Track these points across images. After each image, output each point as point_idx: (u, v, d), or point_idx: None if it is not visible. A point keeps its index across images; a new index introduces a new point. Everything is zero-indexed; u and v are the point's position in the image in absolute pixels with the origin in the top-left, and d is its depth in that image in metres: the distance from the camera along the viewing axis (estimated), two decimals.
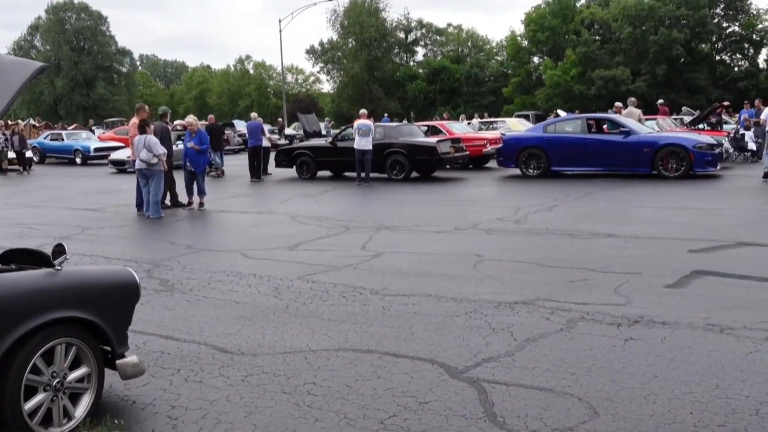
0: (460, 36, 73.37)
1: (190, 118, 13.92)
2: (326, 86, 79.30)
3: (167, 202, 13.08)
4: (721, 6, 54.65)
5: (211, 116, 22.09)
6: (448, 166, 18.13)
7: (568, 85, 53.77)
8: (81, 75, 69.39)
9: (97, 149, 27.45)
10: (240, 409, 3.89)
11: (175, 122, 28.57)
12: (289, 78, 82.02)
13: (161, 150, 11.79)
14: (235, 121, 38.88)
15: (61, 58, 68.71)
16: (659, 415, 3.63)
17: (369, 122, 17.59)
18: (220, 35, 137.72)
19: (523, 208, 11.46)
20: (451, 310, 5.67)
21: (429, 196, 14.24)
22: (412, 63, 71.72)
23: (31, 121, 40.64)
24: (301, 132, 35.51)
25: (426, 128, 20.88)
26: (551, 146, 16.54)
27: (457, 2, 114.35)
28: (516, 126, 23.58)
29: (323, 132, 35.54)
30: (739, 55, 56.77)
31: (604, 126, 17.04)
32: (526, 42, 62.37)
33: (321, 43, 71.17)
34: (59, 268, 3.60)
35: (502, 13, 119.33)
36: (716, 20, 54.97)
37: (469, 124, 26.53)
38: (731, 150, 19.22)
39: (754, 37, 54.73)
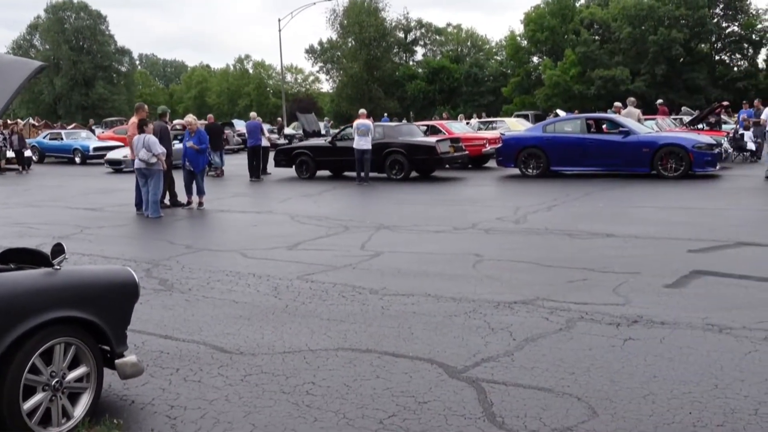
0: (459, 36, 73.38)
1: (190, 118, 13.91)
2: (325, 86, 79.39)
3: (166, 201, 13.08)
4: (721, 6, 54.67)
5: (210, 116, 22.08)
6: (447, 166, 18.13)
7: (568, 84, 53.79)
8: (80, 74, 69.35)
9: (96, 149, 27.43)
10: (239, 408, 3.88)
11: (175, 121, 28.62)
12: (289, 77, 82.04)
13: (160, 149, 11.78)
14: (235, 121, 38.89)
15: (60, 58, 68.67)
16: (658, 415, 3.63)
17: (368, 122, 17.59)
18: (220, 35, 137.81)
19: (522, 208, 11.47)
20: (451, 310, 5.67)
21: (428, 196, 14.24)
22: (411, 63, 71.74)
23: (31, 121, 40.62)
24: (301, 132, 35.51)
25: (425, 128, 20.89)
26: (550, 146, 16.54)
27: (456, 2, 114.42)
28: (515, 126, 23.57)
29: (322, 132, 35.56)
30: (738, 55, 56.81)
31: (604, 126, 17.04)
32: (525, 42, 62.38)
33: (320, 43, 71.21)
34: (58, 267, 3.60)
35: (501, 12, 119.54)
36: (715, 20, 54.99)
37: (467, 123, 26.53)
38: (730, 150, 19.23)
39: (754, 37, 54.75)
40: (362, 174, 16.87)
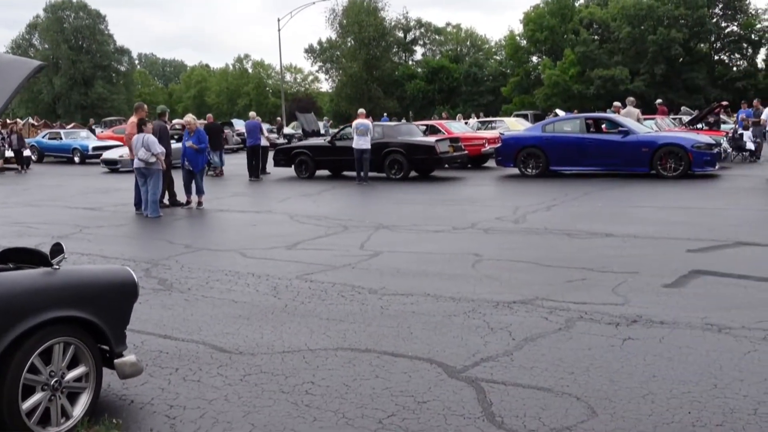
0: (458, 35, 73.43)
1: (189, 118, 13.90)
2: (325, 85, 79.46)
3: (165, 201, 13.07)
4: (720, 6, 54.74)
5: (209, 115, 22.08)
6: (446, 166, 18.12)
7: (567, 84, 53.84)
8: (79, 74, 69.32)
9: (95, 148, 27.41)
10: (238, 408, 3.88)
11: (174, 121, 28.58)
12: (288, 77, 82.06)
13: (159, 149, 11.78)
14: (234, 120, 38.85)
15: (59, 57, 68.65)
16: (657, 415, 3.64)
17: (367, 122, 17.58)
18: (219, 34, 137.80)
19: (521, 208, 11.47)
20: (450, 310, 5.67)
21: (427, 196, 14.24)
22: (410, 62, 71.79)
23: (30, 120, 40.59)
24: (300, 131, 35.48)
25: (425, 127, 20.89)
26: (550, 146, 16.54)
27: (455, 1, 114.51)
28: (515, 125, 23.57)
29: (322, 131, 35.53)
30: (737, 55, 56.89)
31: (603, 126, 17.05)
32: (524, 41, 62.45)
33: (320, 43, 71.25)
34: (57, 267, 3.59)
35: (501, 12, 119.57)
36: (715, 20, 55.05)
37: (466, 123, 26.52)
38: (730, 150, 19.23)
39: (753, 36, 54.83)
40: (361, 174, 16.87)
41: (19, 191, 17.33)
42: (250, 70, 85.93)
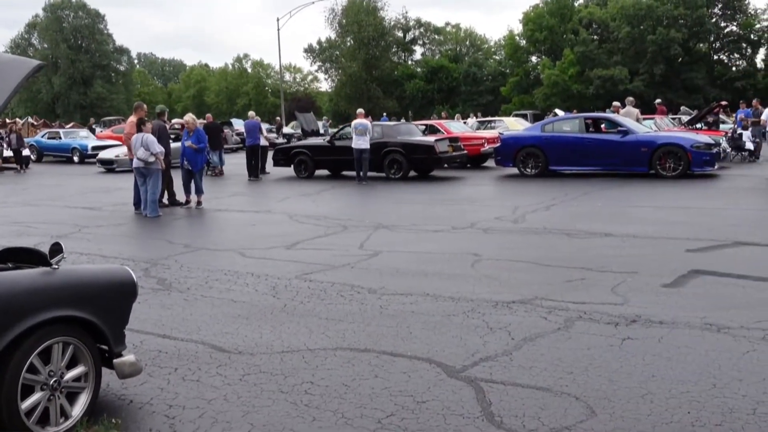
0: (458, 35, 73.44)
1: (188, 117, 13.90)
2: (324, 85, 79.47)
3: (165, 200, 13.07)
4: (719, 6, 54.77)
5: (208, 115, 22.08)
6: (446, 165, 18.11)
7: (566, 84, 53.86)
8: (78, 73, 69.28)
9: (94, 147, 27.39)
10: (237, 408, 3.88)
11: (173, 121, 28.59)
12: (287, 77, 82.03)
13: (159, 148, 11.77)
14: (233, 120, 38.84)
15: (58, 57, 68.61)
16: (657, 415, 3.64)
17: (366, 121, 17.58)
18: (219, 34, 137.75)
19: (520, 208, 11.47)
20: (449, 310, 5.67)
21: (427, 195, 14.24)
22: (410, 62, 71.79)
23: (29, 120, 40.57)
24: (299, 131, 35.48)
25: (424, 127, 20.89)
26: (549, 145, 16.54)
27: (455, 1, 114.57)
28: (514, 125, 23.58)
29: (321, 131, 35.53)
30: (736, 55, 56.92)
31: (602, 125, 17.05)
32: (524, 41, 62.49)
33: (319, 42, 71.27)
34: (56, 266, 3.59)
35: (500, 12, 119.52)
36: (714, 20, 55.07)
37: (465, 123, 26.52)
38: (729, 150, 19.24)
39: (752, 36, 54.87)
40: (361, 173, 16.87)
41: (18, 191, 17.33)
42: (249, 70, 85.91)
